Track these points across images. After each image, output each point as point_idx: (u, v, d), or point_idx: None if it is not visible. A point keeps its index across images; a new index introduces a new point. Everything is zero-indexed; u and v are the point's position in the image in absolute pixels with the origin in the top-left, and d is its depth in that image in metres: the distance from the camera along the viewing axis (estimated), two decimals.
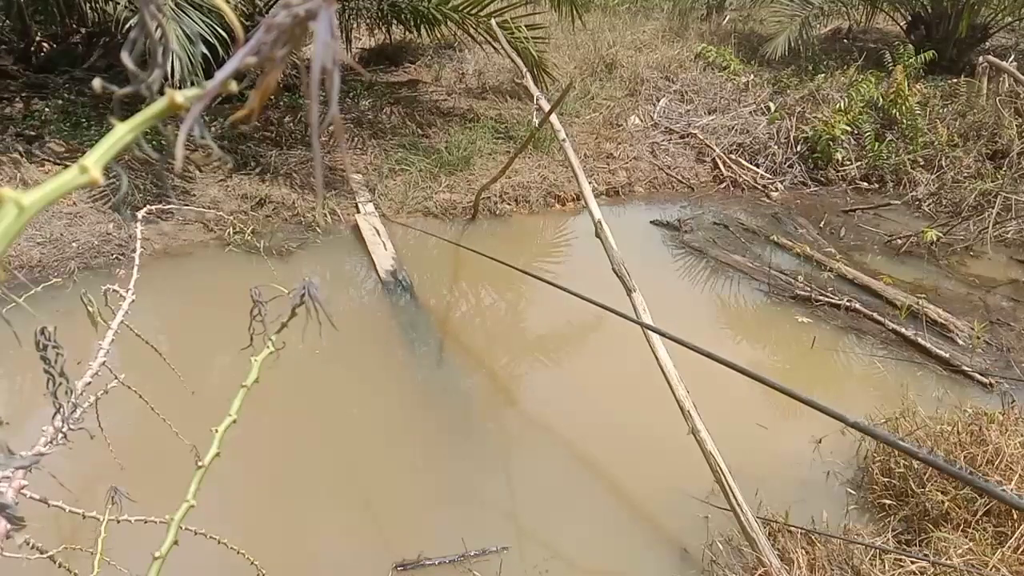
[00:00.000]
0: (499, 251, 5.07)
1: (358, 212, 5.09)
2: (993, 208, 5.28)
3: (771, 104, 6.91)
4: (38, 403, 3.03)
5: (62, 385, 0.83)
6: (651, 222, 5.53)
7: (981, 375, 3.66)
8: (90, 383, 1.32)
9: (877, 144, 6.34)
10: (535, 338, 4.15)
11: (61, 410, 0.90)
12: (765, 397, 3.61)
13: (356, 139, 6.00)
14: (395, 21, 6.93)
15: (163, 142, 0.44)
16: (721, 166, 6.39)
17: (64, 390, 0.84)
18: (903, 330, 4.02)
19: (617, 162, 6.25)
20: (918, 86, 6.64)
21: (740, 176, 6.30)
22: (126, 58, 0.37)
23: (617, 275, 3.15)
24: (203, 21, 4.38)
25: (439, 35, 7.25)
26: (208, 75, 0.38)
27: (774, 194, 6.16)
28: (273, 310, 0.90)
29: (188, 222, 4.75)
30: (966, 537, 2.46)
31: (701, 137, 6.68)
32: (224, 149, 5.38)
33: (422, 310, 4.18)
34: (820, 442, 3.17)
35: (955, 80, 7.22)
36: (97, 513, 1.47)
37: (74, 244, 4.37)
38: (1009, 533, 2.44)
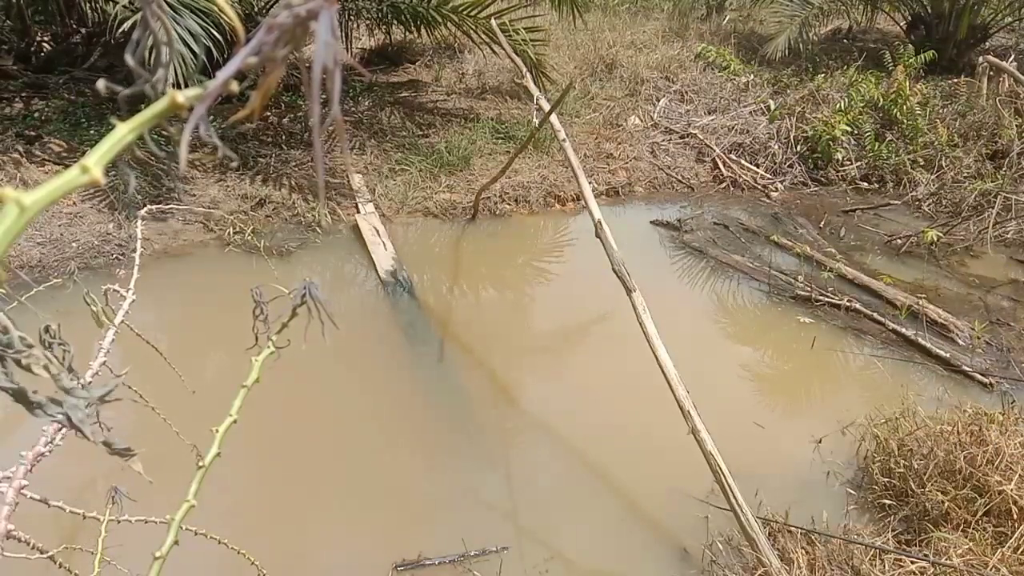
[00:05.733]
0: (499, 251, 5.08)
1: (358, 212, 5.09)
2: (993, 208, 5.28)
3: (771, 103, 6.91)
4: None
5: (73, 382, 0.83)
6: (651, 222, 5.53)
7: (981, 375, 3.67)
8: (90, 383, 1.32)
9: (877, 144, 6.34)
10: (535, 338, 4.15)
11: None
12: (765, 397, 3.61)
13: (356, 139, 6.00)
14: (395, 22, 6.93)
15: (162, 143, 0.44)
16: (721, 166, 6.39)
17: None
18: (903, 330, 4.02)
19: (617, 162, 6.25)
20: (918, 86, 6.64)
21: (740, 176, 6.30)
22: (130, 59, 0.37)
23: (617, 275, 3.15)
24: (200, 21, 4.37)
25: (439, 36, 7.25)
26: (203, 75, 0.38)
27: (774, 194, 6.16)
28: (273, 310, 0.90)
29: (188, 222, 4.75)
30: (966, 537, 2.47)
31: (701, 137, 6.68)
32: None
33: (422, 310, 4.18)
34: (820, 442, 3.17)
35: (955, 80, 7.23)
36: (97, 513, 1.47)
37: (74, 244, 4.37)
38: (1009, 533, 2.44)
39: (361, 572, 2.55)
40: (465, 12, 6.35)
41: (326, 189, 5.28)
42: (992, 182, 5.60)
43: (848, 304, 4.25)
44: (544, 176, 5.73)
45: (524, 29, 6.40)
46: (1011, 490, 2.52)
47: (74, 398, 0.46)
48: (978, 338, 3.91)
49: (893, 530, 2.63)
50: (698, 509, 2.78)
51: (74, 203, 4.67)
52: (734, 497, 2.47)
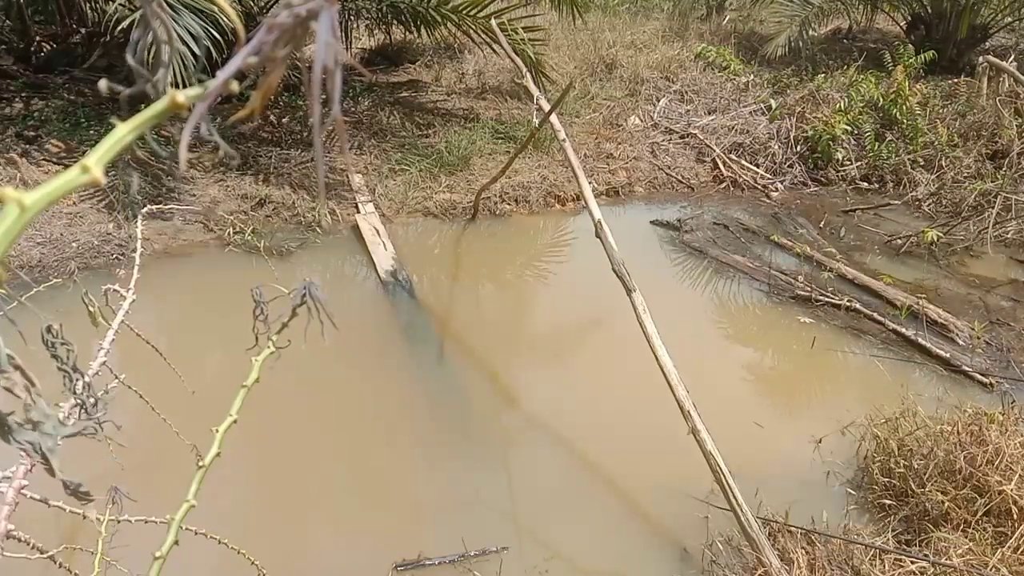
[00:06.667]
0: (499, 251, 5.08)
1: (358, 212, 5.09)
2: (993, 208, 5.28)
3: (771, 103, 6.90)
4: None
5: (78, 381, 0.84)
6: (651, 222, 5.54)
7: (981, 375, 3.66)
8: (90, 383, 1.32)
9: (877, 144, 6.34)
10: (535, 338, 4.14)
11: (83, 404, 0.90)
12: (764, 397, 3.61)
13: (356, 139, 6.00)
14: (395, 22, 6.93)
15: (163, 143, 0.44)
16: (721, 166, 6.39)
17: (80, 385, 0.84)
18: (903, 330, 4.02)
19: (617, 162, 6.25)
20: (918, 86, 6.64)
21: (740, 176, 6.30)
22: (131, 58, 0.37)
23: (617, 275, 3.15)
24: (200, 22, 4.37)
25: (439, 36, 7.25)
26: (204, 75, 0.38)
27: (774, 194, 6.16)
28: (273, 310, 0.90)
29: (188, 222, 4.75)
30: (966, 537, 2.46)
31: (701, 137, 6.68)
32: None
33: (422, 310, 4.18)
34: (820, 442, 3.17)
35: (955, 80, 7.22)
36: (97, 513, 1.47)
37: (74, 244, 4.37)
38: (1009, 533, 2.44)
39: (361, 572, 2.55)
40: (465, 12, 6.35)
41: (326, 189, 5.28)
42: (992, 182, 5.60)
43: (848, 304, 4.25)
44: (544, 176, 5.73)
45: (524, 29, 6.40)
46: (1011, 490, 2.52)
47: (47, 429, 0.45)
48: (978, 338, 3.91)
49: (893, 530, 2.63)
50: (698, 509, 2.78)
51: (74, 203, 4.67)
52: (734, 497, 2.47)
